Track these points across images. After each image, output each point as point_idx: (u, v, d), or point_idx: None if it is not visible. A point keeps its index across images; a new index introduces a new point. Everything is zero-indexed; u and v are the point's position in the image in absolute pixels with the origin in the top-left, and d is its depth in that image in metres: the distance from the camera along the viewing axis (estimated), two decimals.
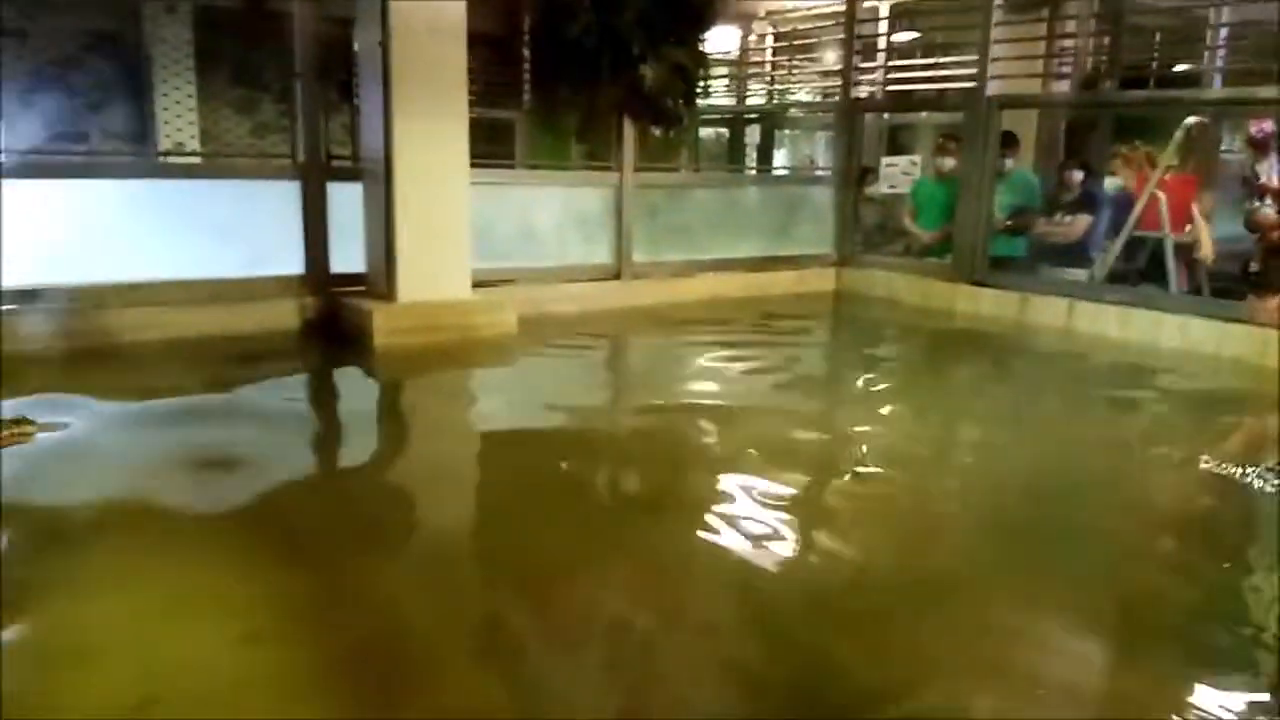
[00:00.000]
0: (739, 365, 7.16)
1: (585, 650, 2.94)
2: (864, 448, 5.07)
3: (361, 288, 7.48)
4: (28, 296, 6.53)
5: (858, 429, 5.45)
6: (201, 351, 6.51)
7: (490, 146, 9.63)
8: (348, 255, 7.58)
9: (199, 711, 2.48)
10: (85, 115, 11.89)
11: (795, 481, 4.45)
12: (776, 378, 6.87)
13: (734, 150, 14.32)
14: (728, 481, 4.37)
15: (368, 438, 5.44)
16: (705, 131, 14.52)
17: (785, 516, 3.93)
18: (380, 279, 7.28)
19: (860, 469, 4.71)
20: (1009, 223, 9.09)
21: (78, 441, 4.47)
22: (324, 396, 6.30)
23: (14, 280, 6.63)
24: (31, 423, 3.29)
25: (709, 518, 3.91)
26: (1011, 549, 3.82)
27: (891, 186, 10.36)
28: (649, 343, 8.22)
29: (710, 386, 6.60)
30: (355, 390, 6.34)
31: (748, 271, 9.79)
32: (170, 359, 6.39)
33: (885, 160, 10.87)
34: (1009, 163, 9.13)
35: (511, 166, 10.41)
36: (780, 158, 15.86)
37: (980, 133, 8.83)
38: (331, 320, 7.34)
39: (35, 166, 7.59)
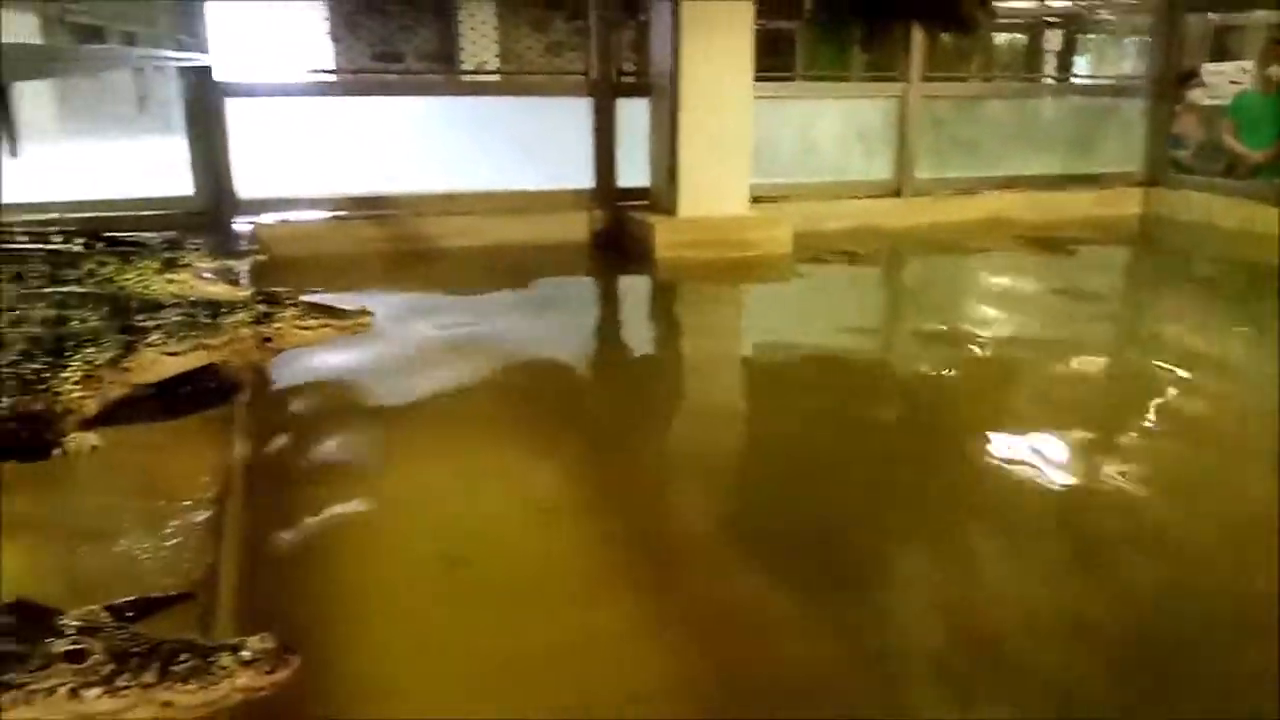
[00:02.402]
0: (1027, 293, 6.80)
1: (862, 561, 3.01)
2: (1170, 395, 4.70)
3: (644, 202, 7.76)
4: (357, 204, 7.33)
5: (1167, 370, 5.03)
6: (502, 258, 7.05)
7: (768, 59, 9.53)
8: (632, 170, 7.87)
9: (501, 574, 2.81)
10: (400, 36, 12.98)
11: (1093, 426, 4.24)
12: (1071, 307, 6.46)
13: (1031, 58, 13.30)
14: (1002, 422, 4.24)
15: (647, 342, 5.75)
16: (999, 38, 13.56)
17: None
18: (662, 194, 7.52)
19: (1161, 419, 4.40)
20: None
21: (405, 331, 5.08)
22: (609, 303, 6.68)
23: (344, 189, 7.47)
24: (369, 313, 3.74)
25: (985, 445, 3.83)
26: None
27: (1213, 97, 9.27)
28: (927, 263, 7.95)
29: (993, 314, 6.30)
30: (637, 298, 6.67)
31: (1040, 190, 9.17)
32: (478, 263, 6.97)
33: (1208, 67, 9.72)
34: None
35: (790, 79, 10.28)
36: (1083, 65, 14.54)
37: None
38: (617, 233, 7.69)
39: (361, 84, 8.42)
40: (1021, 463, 3.64)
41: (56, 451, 2.80)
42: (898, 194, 8.73)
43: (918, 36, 8.39)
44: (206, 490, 2.58)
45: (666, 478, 3.69)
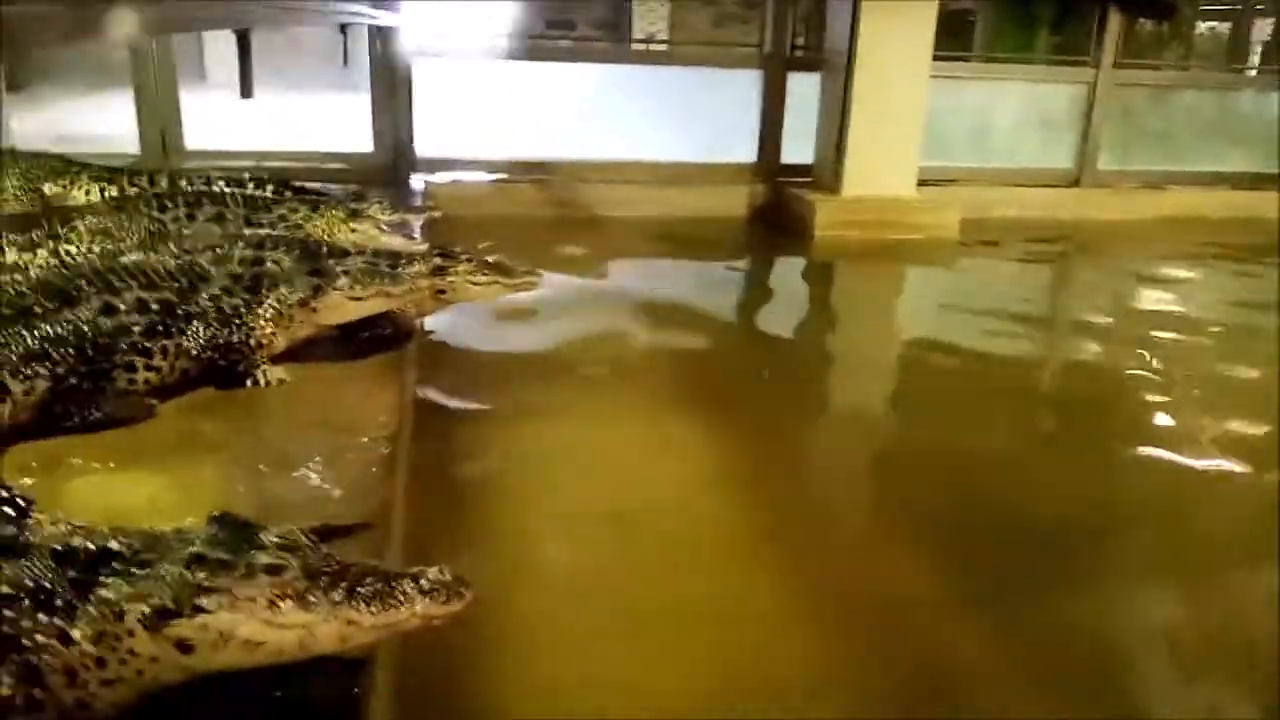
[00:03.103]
0: (1213, 301, 6.32)
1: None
2: None
3: (807, 179, 7.64)
4: (526, 168, 7.50)
5: None
6: (661, 229, 7.08)
7: (946, 38, 9.17)
8: (795, 147, 7.76)
9: (654, 529, 2.86)
10: (572, 4, 13.15)
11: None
12: (1248, 321, 5.96)
13: (1235, 46, 12.35)
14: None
15: (797, 323, 5.67)
16: (1200, 25, 12.65)
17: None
18: (827, 171, 7.39)
19: None
20: None
21: (566, 295, 5.19)
22: (764, 282, 6.63)
23: (514, 152, 7.66)
24: (537, 273, 3.84)
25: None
26: None
27: None
28: (1103, 261, 7.49)
29: (1167, 319, 5.82)
30: (792, 279, 6.59)
31: (1235, 189, 8.53)
32: (637, 232, 7.03)
33: None
34: None
35: (967, 59, 9.89)
36: None
37: None
38: (776, 209, 7.61)
39: (535, 49, 8.57)
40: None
41: (249, 382, 3.01)
42: (1076, 184, 8.30)
43: (1114, 21, 7.92)
44: (382, 428, 2.71)
45: (819, 458, 3.66)
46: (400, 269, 3.45)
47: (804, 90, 7.58)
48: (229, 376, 3.00)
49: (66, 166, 5.01)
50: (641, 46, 9.59)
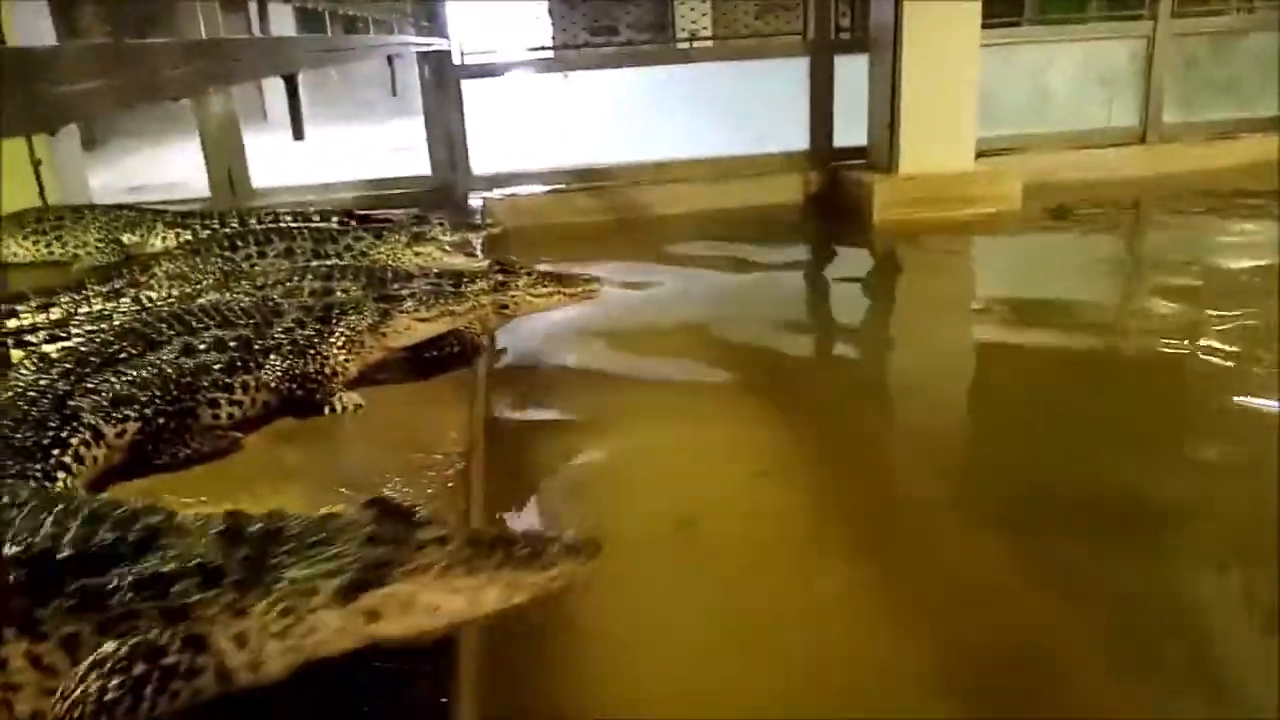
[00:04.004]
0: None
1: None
2: None
3: (862, 160, 7.57)
4: (578, 176, 7.58)
5: None
6: (717, 225, 7.08)
7: (995, 4, 8.96)
8: (847, 129, 7.69)
9: (727, 532, 2.87)
10: (615, 10, 13.22)
11: None
12: None
13: None
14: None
15: (863, 311, 5.63)
16: None
17: None
18: (881, 151, 7.30)
19: None
20: None
21: (625, 300, 5.24)
22: (826, 270, 6.56)
23: (566, 161, 7.75)
24: (597, 281, 3.89)
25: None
26: None
27: None
28: (1176, 221, 7.21)
29: (1244, 281, 5.57)
30: (855, 265, 6.52)
31: None
32: (691, 230, 7.03)
33: None
34: None
35: (1018, 23, 9.67)
36: None
37: None
38: (832, 194, 7.55)
39: (581, 58, 8.64)
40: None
41: (326, 410, 3.11)
42: (1142, 140, 8.06)
43: None
44: (455, 445, 2.78)
45: (890, 450, 3.63)
46: (463, 287, 3.53)
47: (853, 73, 7.50)
48: (307, 405, 3.10)
49: (142, 216, 5.24)
50: (685, 45, 9.57)
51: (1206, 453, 3.40)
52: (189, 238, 5.03)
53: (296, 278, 3.67)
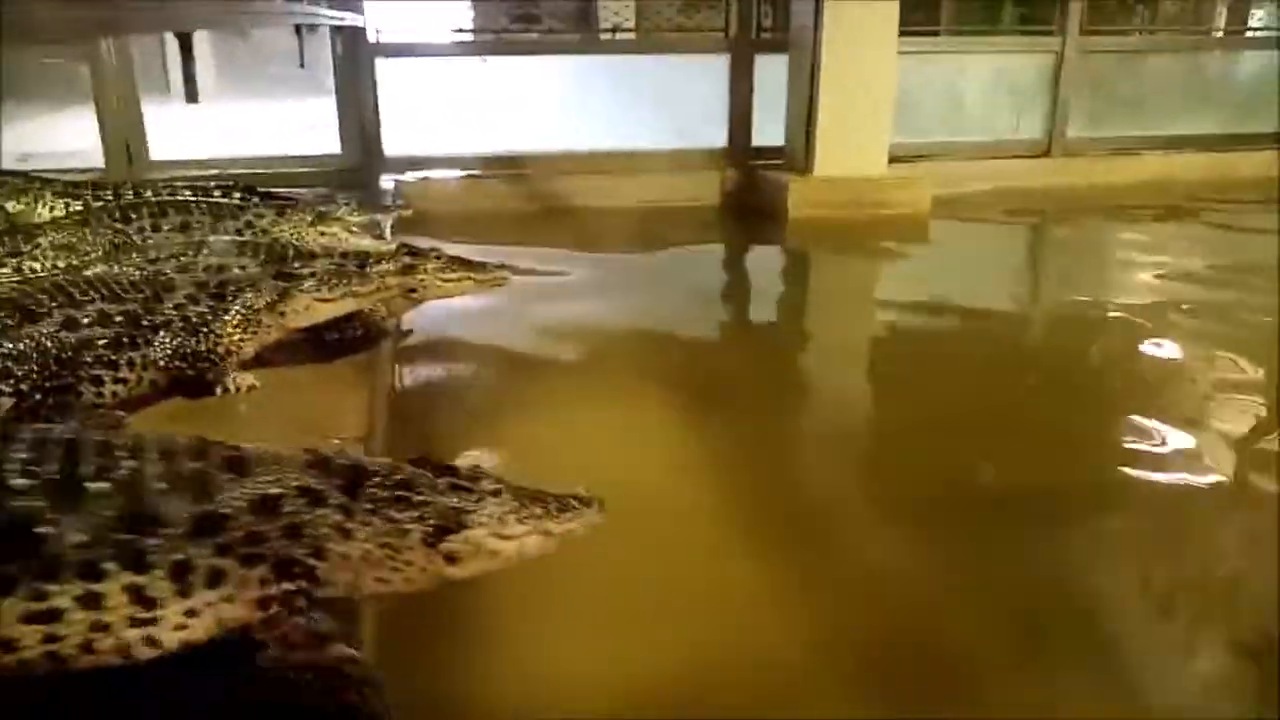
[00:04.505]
0: (1194, 267, 6.29)
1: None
2: None
3: (779, 161, 7.63)
4: (495, 163, 7.47)
5: None
6: (634, 218, 7.07)
7: (912, 13, 9.14)
8: (766, 130, 7.75)
9: (629, 516, 2.82)
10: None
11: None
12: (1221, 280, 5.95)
13: (1201, 9, 12.37)
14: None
15: (776, 306, 5.67)
16: None
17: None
18: (798, 152, 7.38)
19: None
20: None
21: (537, 289, 5.17)
22: (741, 266, 6.62)
23: (483, 148, 7.63)
24: (507, 269, 3.83)
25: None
26: None
27: None
28: (1077, 231, 7.51)
29: (1148, 290, 5.80)
30: (769, 262, 6.59)
31: (1207, 151, 8.56)
32: (609, 222, 7.00)
33: None
34: None
35: (936, 33, 9.88)
36: (1261, 18, 13.43)
37: None
38: (749, 192, 7.60)
39: (501, 44, 8.53)
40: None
41: (219, 390, 2.98)
42: (1047, 154, 8.32)
43: None
44: (355, 429, 2.69)
45: (796, 440, 3.66)
46: (368, 269, 3.43)
47: (774, 72, 7.56)
48: (198, 386, 2.97)
49: (29, 184, 4.95)
50: (608, 36, 9.53)
51: (1107, 448, 3.48)
52: (79, 208, 4.78)
53: (191, 252, 3.51)
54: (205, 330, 2.99)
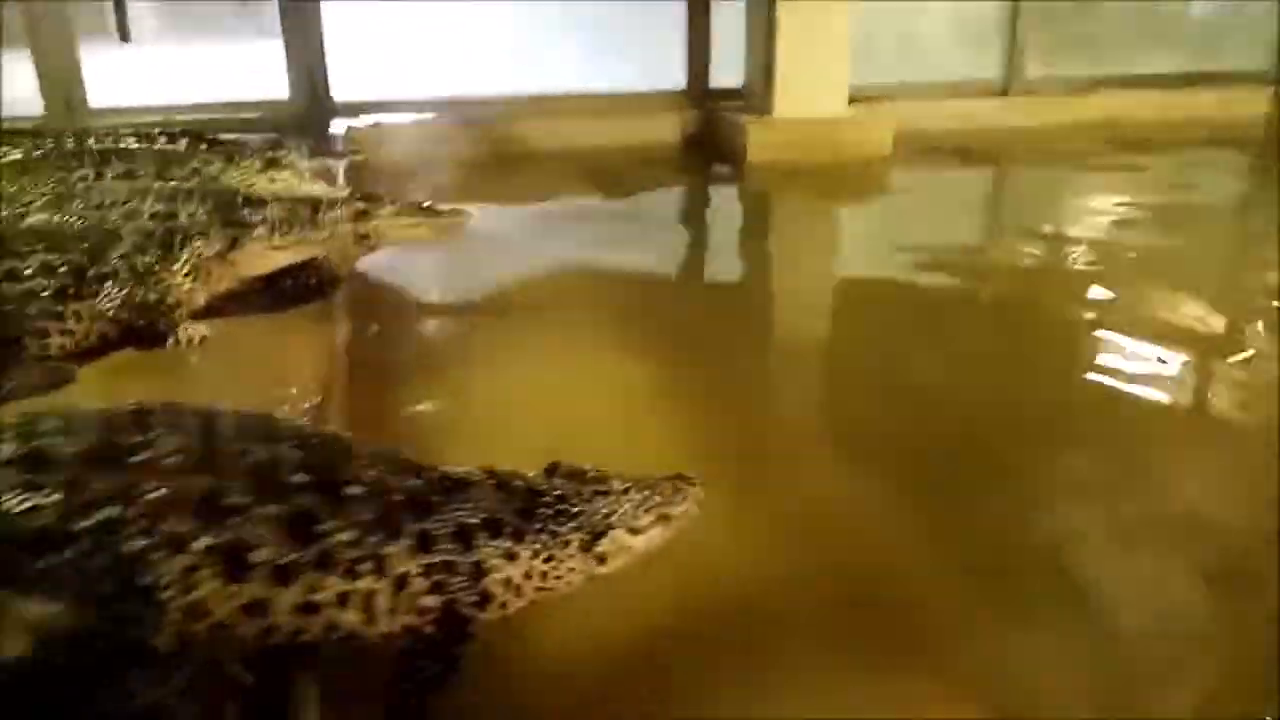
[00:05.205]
0: (1137, 205, 6.36)
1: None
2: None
3: (738, 103, 7.55)
4: (449, 106, 7.31)
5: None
6: (593, 161, 6.96)
7: None
8: (725, 71, 7.65)
9: (596, 459, 2.83)
10: None
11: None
12: (1170, 218, 6.02)
13: None
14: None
15: (735, 251, 5.64)
16: None
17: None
18: (757, 94, 7.30)
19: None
20: None
21: (495, 235, 5.09)
22: (698, 209, 6.57)
23: (437, 92, 7.46)
24: (463, 213, 3.77)
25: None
26: None
27: None
28: (1033, 171, 7.52)
29: (1098, 227, 5.83)
30: (726, 205, 6.55)
31: (1161, 90, 8.59)
32: (567, 166, 6.88)
33: None
34: None
35: None
36: None
37: None
38: (709, 134, 7.52)
39: None
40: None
41: (170, 341, 2.92)
42: (1005, 93, 8.32)
43: None
44: (311, 378, 2.65)
45: (750, 383, 3.66)
46: (321, 215, 3.36)
47: (732, 14, 7.44)
48: (149, 337, 2.91)
49: None
50: None
51: (1070, 388, 3.53)
52: (18, 156, 4.61)
53: (137, 200, 3.41)
54: (154, 280, 2.92)
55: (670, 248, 5.40)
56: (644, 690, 2.02)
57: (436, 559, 1.70)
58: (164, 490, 1.51)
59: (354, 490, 1.65)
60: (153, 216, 3.26)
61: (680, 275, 5.00)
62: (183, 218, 3.25)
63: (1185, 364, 3.64)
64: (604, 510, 1.86)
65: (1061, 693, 2.04)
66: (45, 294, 2.71)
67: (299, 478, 1.61)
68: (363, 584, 1.62)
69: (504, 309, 4.21)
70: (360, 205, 3.53)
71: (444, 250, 4.50)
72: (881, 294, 4.62)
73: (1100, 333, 3.96)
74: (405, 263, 4.39)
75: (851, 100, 7.31)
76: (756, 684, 2.02)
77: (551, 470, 1.94)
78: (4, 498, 1.47)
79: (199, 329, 2.97)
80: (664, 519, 1.90)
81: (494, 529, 1.78)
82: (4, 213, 3.55)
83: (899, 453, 3.01)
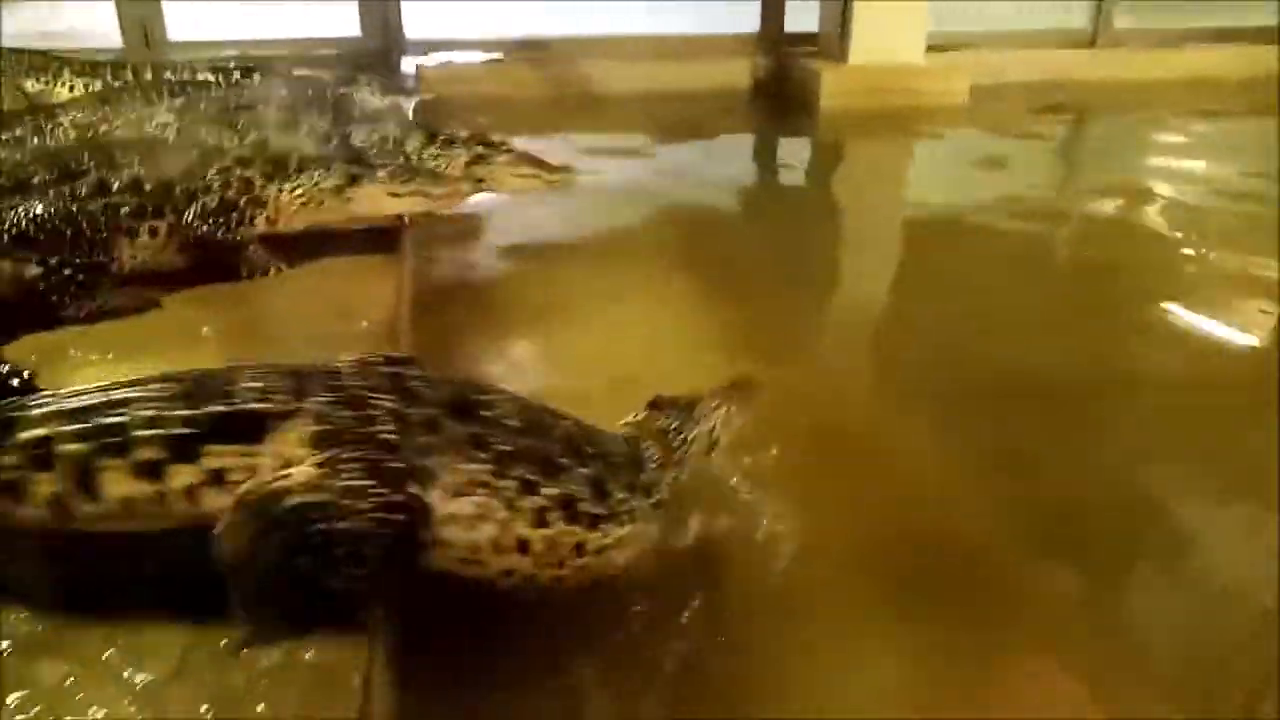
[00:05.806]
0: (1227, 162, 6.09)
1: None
2: None
3: (812, 49, 7.38)
4: (519, 46, 7.26)
5: None
6: (662, 105, 6.86)
7: None
8: (800, 15, 7.48)
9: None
10: None
11: None
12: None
13: None
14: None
15: (804, 199, 5.53)
16: None
17: None
18: (833, 39, 7.12)
19: None
20: None
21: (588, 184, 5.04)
22: (770, 155, 6.46)
23: (507, 31, 7.41)
24: (573, 169, 3.78)
25: None
26: None
27: None
28: (1120, 124, 7.21)
29: (1181, 185, 5.55)
30: (799, 153, 6.43)
31: (1257, 44, 8.17)
32: (637, 109, 6.80)
33: None
34: None
35: None
36: None
37: None
38: (781, 79, 7.37)
39: None
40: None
41: (245, 272, 2.95)
42: (1092, 44, 8.00)
43: None
44: (383, 312, 2.68)
45: (818, 325, 3.62)
46: (442, 157, 3.39)
47: None
48: (224, 267, 2.93)
49: (48, 62, 4.86)
50: None
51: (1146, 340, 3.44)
52: (98, 88, 4.69)
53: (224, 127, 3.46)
54: (249, 197, 2.95)
55: (739, 192, 5.34)
56: None
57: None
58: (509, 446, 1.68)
59: (616, 459, 1.86)
60: (254, 143, 3.28)
61: (749, 221, 4.95)
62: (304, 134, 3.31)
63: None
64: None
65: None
66: (125, 210, 2.75)
67: (589, 448, 1.81)
68: (625, 530, 1.80)
69: (571, 251, 4.18)
70: (479, 150, 3.57)
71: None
72: (948, 243, 4.53)
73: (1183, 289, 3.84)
74: (477, 205, 4.38)
75: (930, 48, 7.10)
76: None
77: (654, 402, 2.11)
78: None
79: (275, 261, 3.00)
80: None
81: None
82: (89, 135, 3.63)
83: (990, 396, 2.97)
